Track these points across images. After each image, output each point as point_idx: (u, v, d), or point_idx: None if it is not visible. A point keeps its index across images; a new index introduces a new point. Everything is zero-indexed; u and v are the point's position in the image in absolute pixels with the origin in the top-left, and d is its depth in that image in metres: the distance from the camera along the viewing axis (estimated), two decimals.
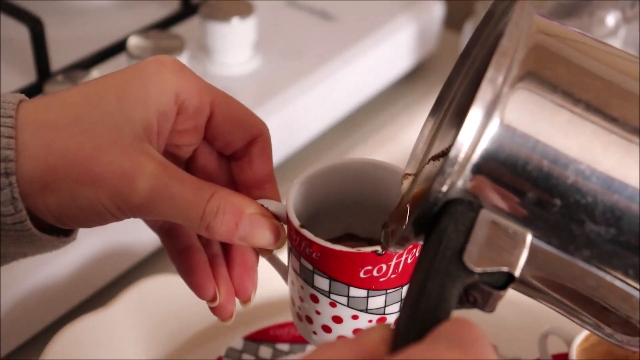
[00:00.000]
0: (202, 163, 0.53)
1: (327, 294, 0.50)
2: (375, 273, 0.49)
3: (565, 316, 0.44)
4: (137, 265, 0.77)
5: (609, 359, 0.64)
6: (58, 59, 0.81)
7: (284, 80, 0.85)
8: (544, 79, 0.39)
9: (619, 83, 0.40)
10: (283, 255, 0.53)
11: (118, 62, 0.83)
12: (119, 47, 0.83)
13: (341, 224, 0.55)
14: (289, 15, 0.93)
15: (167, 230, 0.54)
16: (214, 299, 0.52)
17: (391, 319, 0.51)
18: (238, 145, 0.52)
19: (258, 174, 0.52)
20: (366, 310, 0.51)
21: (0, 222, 0.47)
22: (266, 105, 0.82)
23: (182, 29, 0.88)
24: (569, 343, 0.63)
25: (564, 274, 0.41)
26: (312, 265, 0.50)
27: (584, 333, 0.63)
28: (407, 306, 0.38)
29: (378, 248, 0.48)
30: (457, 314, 0.38)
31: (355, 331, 0.52)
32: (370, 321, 0.51)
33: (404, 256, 0.49)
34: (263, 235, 0.49)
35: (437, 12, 0.97)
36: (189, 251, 0.53)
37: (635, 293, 0.40)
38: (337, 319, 0.51)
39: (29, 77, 0.80)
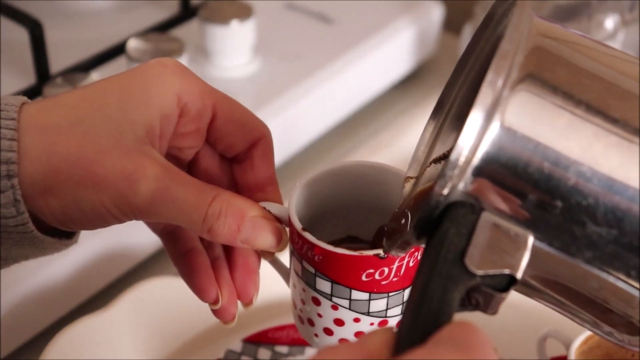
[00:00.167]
0: (204, 166, 0.53)
1: (329, 296, 0.50)
2: (377, 276, 0.49)
3: (565, 316, 0.44)
4: (137, 268, 0.77)
5: None
6: (57, 62, 0.81)
7: (283, 83, 0.85)
8: (544, 81, 0.39)
9: (619, 84, 0.40)
10: (285, 258, 0.53)
11: (117, 65, 0.83)
12: (118, 50, 0.83)
13: (343, 227, 0.55)
14: (288, 18, 0.93)
15: (169, 233, 0.54)
16: (216, 302, 0.52)
17: (393, 322, 0.52)
18: (240, 148, 0.52)
19: (260, 177, 0.52)
20: (368, 313, 0.51)
21: (3, 224, 0.46)
22: (265, 108, 0.82)
23: (181, 31, 0.88)
24: (567, 346, 0.63)
25: (566, 275, 0.41)
26: (314, 268, 0.50)
27: (583, 336, 0.63)
28: (409, 309, 0.38)
29: (380, 251, 0.48)
30: (460, 316, 0.38)
31: (357, 334, 0.52)
32: (372, 324, 0.51)
33: (406, 259, 0.49)
34: (265, 238, 0.49)
35: (436, 14, 0.97)
36: (191, 254, 0.53)
37: (637, 294, 0.40)
38: (339, 322, 0.51)
39: (29, 79, 0.80)
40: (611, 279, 0.40)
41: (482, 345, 0.36)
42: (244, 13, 0.84)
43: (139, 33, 0.83)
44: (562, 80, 0.40)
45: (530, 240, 0.40)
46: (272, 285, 0.61)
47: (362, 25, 0.93)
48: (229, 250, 0.54)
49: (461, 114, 0.46)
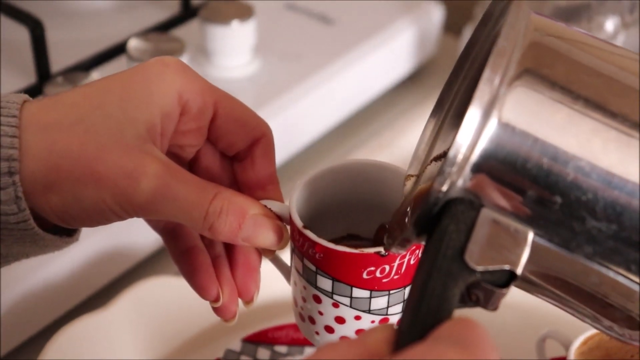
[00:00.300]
0: (205, 164, 0.53)
1: (330, 294, 0.50)
2: (378, 274, 0.49)
3: (565, 311, 0.44)
4: (136, 267, 0.77)
5: None
6: (58, 61, 0.81)
7: (283, 83, 0.85)
8: (542, 76, 0.39)
9: (617, 79, 0.40)
10: (286, 256, 0.54)
11: (118, 65, 0.83)
12: (119, 49, 0.83)
13: (344, 225, 0.55)
14: (288, 19, 0.93)
15: (170, 231, 0.54)
16: (217, 300, 0.52)
17: (394, 320, 0.52)
18: (241, 146, 0.52)
19: (261, 175, 0.52)
20: (369, 311, 0.51)
21: (3, 221, 0.47)
22: (266, 108, 0.82)
23: (182, 31, 0.88)
24: (567, 347, 0.63)
25: (566, 271, 0.41)
26: (315, 266, 0.50)
27: (582, 337, 0.63)
28: (410, 306, 0.38)
29: (381, 249, 0.48)
30: (460, 313, 0.38)
31: (358, 332, 0.52)
32: (372, 322, 0.51)
33: (407, 257, 0.49)
34: (266, 236, 0.49)
35: (437, 16, 0.98)
36: (191, 252, 0.53)
37: (637, 289, 0.40)
38: (340, 320, 0.51)
39: (29, 78, 0.80)
40: (611, 273, 0.40)
41: (482, 341, 0.36)
42: (245, 13, 0.84)
43: (140, 33, 0.83)
44: (560, 75, 0.40)
45: (530, 236, 0.40)
46: (272, 285, 0.61)
47: (362, 25, 0.93)
48: (229, 248, 0.54)
49: (461, 112, 0.46)
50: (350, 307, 0.51)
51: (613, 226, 0.39)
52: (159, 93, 0.48)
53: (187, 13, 0.90)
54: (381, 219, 0.52)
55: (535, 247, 0.40)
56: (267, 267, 0.55)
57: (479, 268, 0.38)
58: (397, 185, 0.50)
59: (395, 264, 0.49)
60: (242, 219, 0.48)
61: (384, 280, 0.49)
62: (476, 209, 0.40)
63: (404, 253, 0.49)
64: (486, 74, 0.38)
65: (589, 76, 0.40)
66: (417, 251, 0.49)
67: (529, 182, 0.39)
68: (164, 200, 0.47)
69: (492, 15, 0.45)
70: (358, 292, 0.50)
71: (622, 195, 0.39)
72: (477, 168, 0.39)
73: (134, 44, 0.80)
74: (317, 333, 0.53)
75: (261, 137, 0.52)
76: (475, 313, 0.40)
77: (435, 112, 0.49)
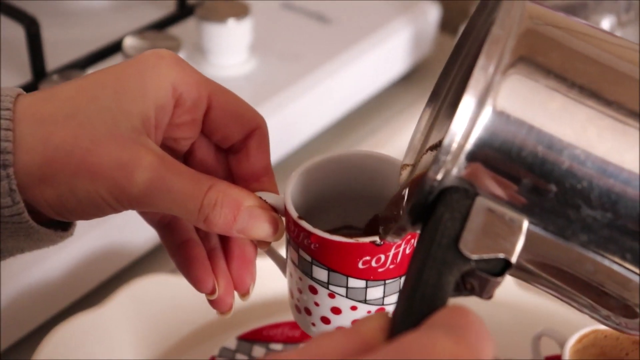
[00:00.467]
0: (200, 156, 0.53)
1: (326, 285, 0.50)
2: (373, 263, 0.49)
3: (563, 300, 0.44)
4: (131, 265, 0.77)
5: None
6: (54, 59, 0.81)
7: (279, 82, 0.85)
8: (536, 64, 0.39)
9: (612, 66, 0.40)
10: (281, 249, 0.53)
11: (113, 63, 0.82)
12: (114, 48, 0.84)
13: (339, 216, 0.55)
14: (285, 18, 0.93)
15: (165, 224, 0.54)
16: (212, 292, 0.52)
17: (390, 310, 0.51)
18: (236, 139, 0.52)
19: (256, 167, 0.52)
20: (365, 301, 0.51)
21: None
22: (262, 106, 0.82)
23: (178, 30, 0.88)
24: (562, 345, 0.63)
25: (562, 259, 0.41)
26: (311, 256, 0.50)
27: (577, 335, 0.63)
28: (404, 294, 0.38)
29: (376, 238, 0.48)
30: (455, 302, 0.38)
31: (354, 322, 0.51)
32: (369, 312, 0.51)
33: (402, 246, 0.49)
34: (261, 228, 0.49)
35: (433, 15, 0.98)
36: (187, 245, 0.53)
37: (633, 277, 0.40)
38: (336, 310, 0.51)
39: (25, 76, 0.80)
40: (606, 262, 0.40)
41: (476, 328, 0.36)
42: (241, 12, 0.84)
43: (136, 31, 0.83)
44: (555, 63, 0.39)
45: (525, 224, 0.39)
46: (267, 283, 0.61)
47: (358, 25, 0.93)
48: (225, 240, 0.54)
49: (456, 101, 0.46)
50: (347, 297, 0.50)
51: (608, 214, 0.39)
52: (153, 85, 0.48)
53: (183, 11, 0.90)
54: (377, 210, 0.52)
55: (530, 235, 0.40)
56: (262, 265, 0.55)
57: (474, 256, 0.38)
58: (393, 176, 0.50)
59: (391, 254, 0.49)
60: (237, 211, 0.48)
61: (380, 269, 0.49)
62: (471, 198, 0.40)
63: (399, 242, 0.48)
64: (481, 61, 0.38)
65: (585, 64, 0.40)
66: (413, 240, 0.49)
67: (524, 171, 0.39)
68: (158, 193, 0.47)
69: (487, 4, 0.45)
70: (354, 282, 0.50)
71: (617, 184, 0.39)
72: (472, 156, 0.39)
73: (129, 42, 0.80)
74: (313, 324, 0.53)
75: (256, 129, 0.52)
76: (473, 305, 0.40)
77: (430, 101, 0.49)
